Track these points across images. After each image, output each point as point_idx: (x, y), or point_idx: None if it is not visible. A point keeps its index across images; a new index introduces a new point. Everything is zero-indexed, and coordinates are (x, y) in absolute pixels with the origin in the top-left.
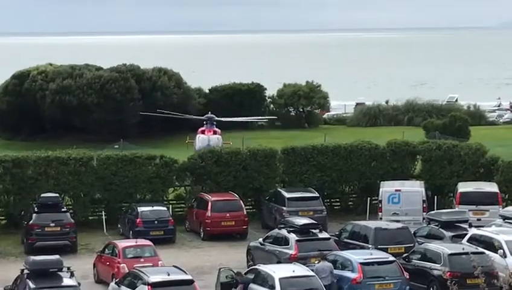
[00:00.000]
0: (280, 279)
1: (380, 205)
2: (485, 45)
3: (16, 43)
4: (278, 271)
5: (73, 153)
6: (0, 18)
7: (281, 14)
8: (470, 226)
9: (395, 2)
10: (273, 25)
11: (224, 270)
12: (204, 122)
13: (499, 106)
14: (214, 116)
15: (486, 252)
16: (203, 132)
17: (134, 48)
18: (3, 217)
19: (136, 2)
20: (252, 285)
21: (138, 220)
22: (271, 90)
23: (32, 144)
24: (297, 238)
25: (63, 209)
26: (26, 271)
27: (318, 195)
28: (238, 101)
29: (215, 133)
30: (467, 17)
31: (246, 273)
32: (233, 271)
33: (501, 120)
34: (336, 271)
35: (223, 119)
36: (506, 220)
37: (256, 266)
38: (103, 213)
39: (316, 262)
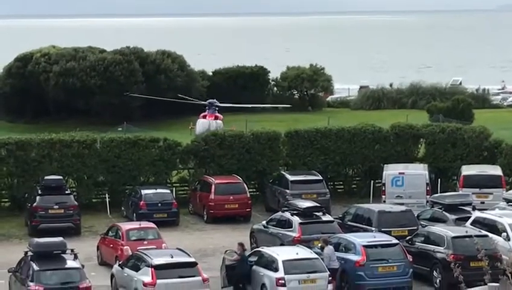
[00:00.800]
0: (284, 261)
1: (383, 188)
2: (487, 28)
3: (17, 26)
4: (281, 253)
5: (76, 136)
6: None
7: None
8: (474, 209)
9: None
10: (271, 7)
11: (230, 253)
12: (207, 107)
13: (503, 89)
14: (216, 101)
15: (490, 235)
16: (204, 117)
17: (136, 31)
18: (7, 200)
19: None
20: (255, 267)
21: (142, 202)
22: (274, 74)
23: (35, 126)
24: (300, 221)
25: (66, 192)
26: (30, 253)
27: (321, 178)
28: (241, 84)
29: (216, 118)
30: (466, 0)
31: (249, 256)
32: (236, 252)
33: (505, 103)
34: (339, 254)
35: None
36: (510, 203)
37: (259, 249)
38: (107, 196)
39: (319, 245)
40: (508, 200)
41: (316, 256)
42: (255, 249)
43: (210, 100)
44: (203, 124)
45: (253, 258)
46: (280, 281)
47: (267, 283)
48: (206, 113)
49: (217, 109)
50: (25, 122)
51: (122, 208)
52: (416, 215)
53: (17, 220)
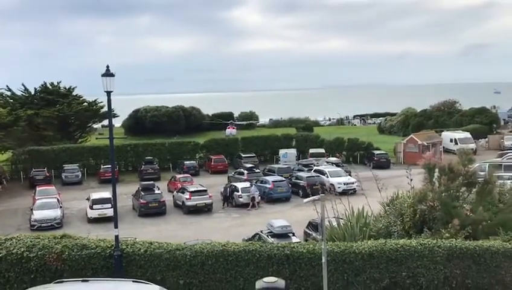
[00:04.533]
0: (241, 188)
1: (279, 158)
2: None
3: (130, 99)
4: (239, 185)
5: (158, 141)
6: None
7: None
8: (314, 165)
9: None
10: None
11: (225, 186)
12: (230, 123)
13: (329, 120)
14: (233, 121)
15: (321, 175)
16: (228, 127)
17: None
18: (131, 168)
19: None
20: (228, 189)
21: (184, 167)
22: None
23: (141, 138)
24: (247, 172)
25: (155, 163)
26: (140, 187)
27: (255, 155)
28: (225, 118)
29: (233, 128)
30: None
31: (226, 184)
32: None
33: (326, 124)
34: (263, 185)
35: (237, 123)
36: (328, 163)
37: (232, 183)
38: (170, 164)
39: (250, 183)
40: (327, 162)
41: (254, 186)
42: (230, 184)
43: (231, 121)
44: (228, 131)
45: (228, 187)
46: (239, 196)
47: (236, 198)
48: (229, 126)
49: (233, 124)
50: (136, 136)
51: (176, 169)
52: (292, 168)
53: (134, 174)
